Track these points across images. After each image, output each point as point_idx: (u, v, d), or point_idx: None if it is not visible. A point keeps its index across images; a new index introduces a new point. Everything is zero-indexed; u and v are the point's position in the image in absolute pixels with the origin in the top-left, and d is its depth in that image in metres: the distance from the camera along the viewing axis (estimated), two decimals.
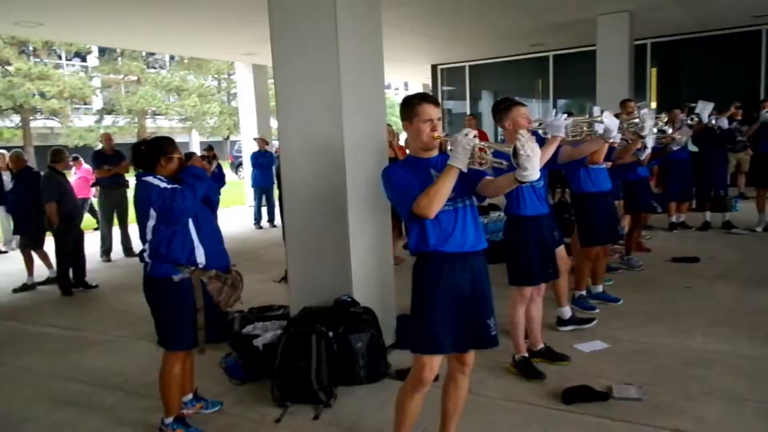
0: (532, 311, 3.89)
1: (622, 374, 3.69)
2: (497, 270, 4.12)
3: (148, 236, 3.03)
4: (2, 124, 32.60)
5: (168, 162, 3.15)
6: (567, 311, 4.60)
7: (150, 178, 3.06)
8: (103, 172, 8.38)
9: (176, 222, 2.99)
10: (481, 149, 2.37)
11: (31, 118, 33.74)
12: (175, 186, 3.03)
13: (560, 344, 4.16)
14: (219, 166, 10.66)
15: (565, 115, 3.52)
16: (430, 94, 2.63)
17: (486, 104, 15.82)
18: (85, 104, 37.71)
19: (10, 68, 31.58)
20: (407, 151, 3.32)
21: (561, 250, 4.43)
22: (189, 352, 3.24)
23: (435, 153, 2.59)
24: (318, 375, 3.45)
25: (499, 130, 3.83)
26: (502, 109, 3.68)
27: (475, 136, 2.32)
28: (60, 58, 38.03)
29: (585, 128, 3.60)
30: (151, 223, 3.01)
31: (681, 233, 8.25)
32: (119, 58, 37.04)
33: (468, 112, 14.81)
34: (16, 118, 33.44)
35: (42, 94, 31.89)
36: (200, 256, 3.07)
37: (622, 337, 4.39)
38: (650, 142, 5.20)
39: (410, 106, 2.54)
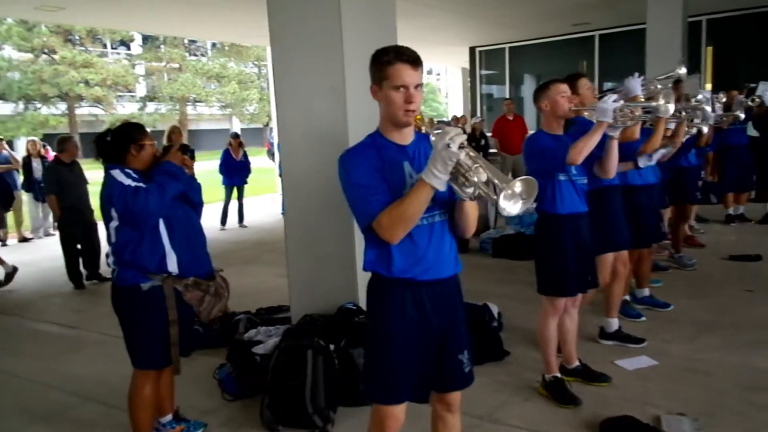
0: (566, 323, 3.36)
1: (673, 400, 3.14)
2: (527, 268, 3.57)
3: (112, 238, 2.64)
4: (48, 112, 33.22)
5: (139, 150, 2.73)
6: (614, 323, 4.02)
7: (116, 172, 2.65)
8: None
9: (139, 226, 2.59)
10: (470, 161, 1.72)
11: (76, 105, 34.36)
12: (140, 185, 2.60)
13: (599, 360, 3.62)
14: (245, 154, 10.33)
15: (614, 96, 2.93)
16: (410, 49, 1.90)
17: (527, 88, 15.06)
18: (128, 91, 38.16)
19: (56, 56, 32.17)
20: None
21: (624, 254, 3.89)
22: (164, 370, 2.83)
23: (411, 134, 1.96)
24: (313, 396, 3.00)
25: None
26: (540, 88, 3.15)
27: (461, 147, 1.69)
28: (105, 46, 38.52)
29: (637, 112, 3.00)
30: (114, 224, 2.62)
31: (739, 227, 7.50)
32: (161, 46, 37.37)
33: (507, 96, 14.11)
34: (62, 106, 34.09)
35: (86, 82, 32.41)
36: (172, 264, 2.65)
37: (672, 351, 3.81)
38: (706, 127, 4.63)
39: (378, 64, 1.89)
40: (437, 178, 1.72)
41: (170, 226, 2.67)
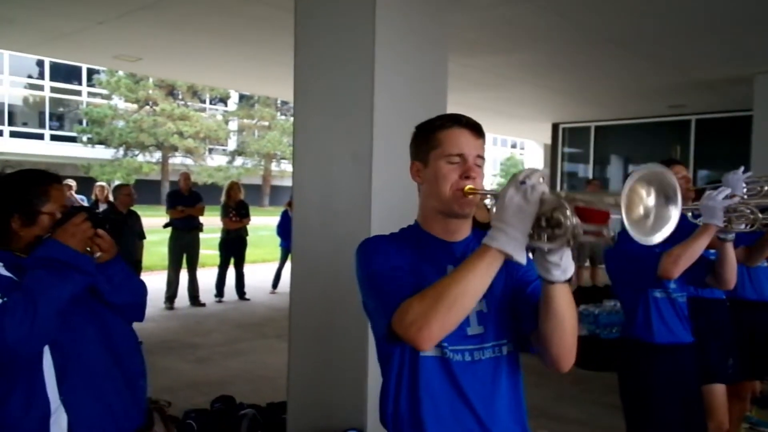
0: None
1: None
2: (603, 382, 2.59)
3: None
4: (144, 159, 35.09)
5: (26, 226, 1.66)
6: None
7: None
8: (176, 212, 7.94)
9: None
10: (557, 206, 1.05)
11: (169, 155, 36.15)
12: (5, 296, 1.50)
13: None
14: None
15: (726, 191, 2.16)
16: (470, 117, 1.31)
17: (614, 169, 14.14)
18: (220, 145, 39.89)
19: (157, 108, 34.29)
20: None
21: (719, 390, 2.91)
22: None
23: (466, 230, 1.37)
24: None
25: None
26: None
27: (543, 179, 1.07)
28: (203, 102, 40.70)
29: (760, 215, 2.22)
30: None
31: None
32: (255, 104, 39.08)
33: (590, 177, 13.21)
34: (157, 155, 35.98)
35: (181, 134, 34.18)
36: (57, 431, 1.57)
37: None
38: None
39: (426, 131, 1.35)
40: (510, 237, 1.07)
41: (67, 357, 1.59)
